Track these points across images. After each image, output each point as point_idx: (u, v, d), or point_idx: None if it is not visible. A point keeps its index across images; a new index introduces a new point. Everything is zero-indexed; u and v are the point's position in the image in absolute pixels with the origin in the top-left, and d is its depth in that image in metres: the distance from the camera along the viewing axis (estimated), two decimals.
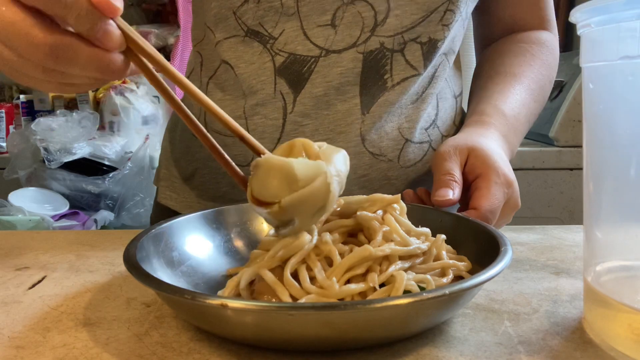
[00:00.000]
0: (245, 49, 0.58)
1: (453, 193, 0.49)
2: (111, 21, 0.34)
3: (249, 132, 0.59)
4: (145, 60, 0.36)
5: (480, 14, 0.71)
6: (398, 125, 0.60)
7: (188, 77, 0.68)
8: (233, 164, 0.41)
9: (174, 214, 0.67)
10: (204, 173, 0.65)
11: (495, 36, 0.72)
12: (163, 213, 0.69)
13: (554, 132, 1.48)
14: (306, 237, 0.36)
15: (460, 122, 0.69)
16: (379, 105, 0.58)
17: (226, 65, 0.60)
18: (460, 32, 0.64)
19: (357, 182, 0.59)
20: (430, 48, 0.59)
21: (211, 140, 0.40)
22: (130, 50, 0.35)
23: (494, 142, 0.56)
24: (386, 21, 0.56)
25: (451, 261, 0.39)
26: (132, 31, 0.35)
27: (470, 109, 0.64)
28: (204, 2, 0.61)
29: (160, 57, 0.36)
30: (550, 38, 0.70)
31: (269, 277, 0.35)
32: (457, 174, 0.51)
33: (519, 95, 0.62)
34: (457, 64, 0.69)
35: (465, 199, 0.51)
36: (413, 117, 0.61)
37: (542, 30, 0.70)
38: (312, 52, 0.57)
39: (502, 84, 0.63)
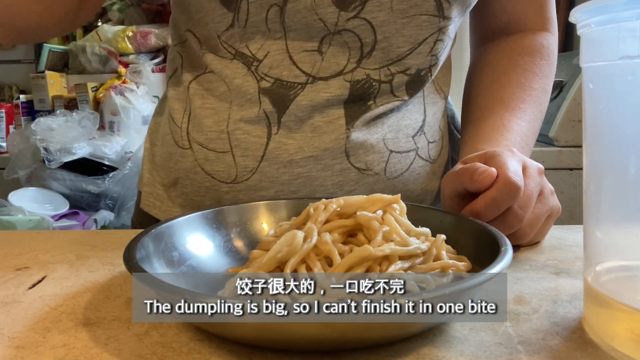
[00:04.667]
0: (229, 65, 0.57)
1: (483, 167, 0.46)
2: None
3: (231, 147, 0.58)
4: None
5: (475, 11, 0.68)
6: (382, 136, 0.59)
7: (171, 77, 0.66)
8: None
9: (157, 220, 0.65)
10: (185, 184, 0.62)
11: (491, 35, 0.69)
12: (145, 219, 0.67)
13: (554, 132, 1.47)
14: (299, 235, 0.36)
15: (445, 126, 0.67)
16: (363, 120, 0.57)
17: (212, 74, 0.59)
18: (448, 48, 0.61)
19: None
20: (417, 79, 0.58)
21: None
22: None
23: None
24: (372, 54, 0.55)
25: (451, 261, 0.39)
26: None
27: (469, 147, 0.59)
28: (184, 13, 0.59)
29: None
30: (548, 42, 0.67)
31: None
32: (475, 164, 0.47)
33: (518, 127, 0.59)
34: (448, 62, 0.66)
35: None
36: (396, 127, 0.59)
37: (539, 32, 0.67)
38: (299, 78, 0.55)
39: (499, 118, 0.60)
